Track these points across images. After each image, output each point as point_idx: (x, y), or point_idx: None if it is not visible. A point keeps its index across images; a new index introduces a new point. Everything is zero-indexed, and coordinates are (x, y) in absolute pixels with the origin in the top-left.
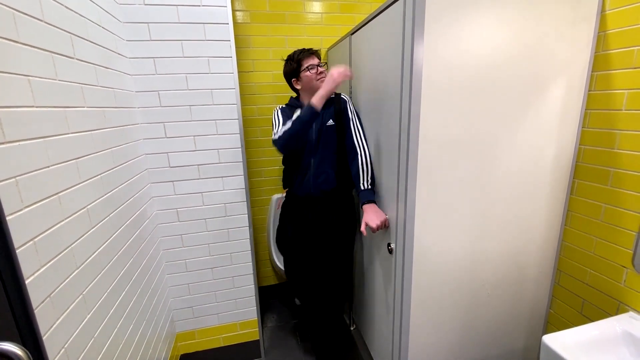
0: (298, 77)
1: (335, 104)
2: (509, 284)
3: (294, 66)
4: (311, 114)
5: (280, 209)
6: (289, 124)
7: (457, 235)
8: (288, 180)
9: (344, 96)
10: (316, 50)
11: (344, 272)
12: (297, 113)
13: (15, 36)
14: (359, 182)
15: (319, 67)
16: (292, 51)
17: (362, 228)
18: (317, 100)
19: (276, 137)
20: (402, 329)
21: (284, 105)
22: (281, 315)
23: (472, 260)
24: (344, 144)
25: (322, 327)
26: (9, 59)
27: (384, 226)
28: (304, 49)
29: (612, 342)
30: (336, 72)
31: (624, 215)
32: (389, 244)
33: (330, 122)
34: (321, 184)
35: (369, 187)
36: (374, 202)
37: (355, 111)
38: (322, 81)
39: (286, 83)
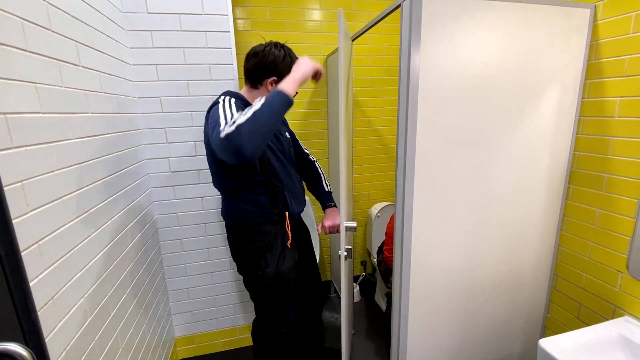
0: (280, 79)
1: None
2: (506, 288)
3: (288, 62)
4: (286, 103)
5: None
6: (248, 113)
7: (455, 240)
8: (277, 199)
9: None
10: None
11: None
12: (258, 102)
13: (24, 44)
14: (322, 184)
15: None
16: (289, 47)
17: (320, 228)
18: (289, 85)
19: (231, 129)
20: (400, 334)
21: (233, 98)
22: None
23: (469, 265)
24: (296, 152)
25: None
26: (18, 66)
27: (337, 230)
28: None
29: (608, 346)
30: (311, 61)
31: (618, 220)
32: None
33: (287, 134)
34: (304, 196)
35: (331, 190)
36: (336, 205)
37: None
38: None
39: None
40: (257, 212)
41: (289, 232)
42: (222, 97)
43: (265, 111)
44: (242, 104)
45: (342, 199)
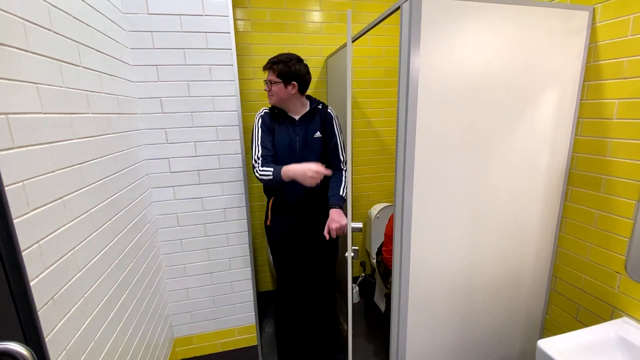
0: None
1: (322, 117)
2: (505, 289)
3: (303, 72)
4: (276, 182)
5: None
6: (269, 171)
7: (454, 241)
8: (272, 189)
9: (331, 111)
10: (272, 64)
11: (332, 272)
12: (274, 170)
13: (25, 45)
14: (339, 188)
15: (268, 84)
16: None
17: (326, 231)
18: (286, 173)
19: (257, 174)
20: (399, 334)
21: (267, 110)
22: None
23: (469, 266)
24: (326, 154)
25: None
26: (19, 67)
27: (343, 231)
28: (271, 60)
29: (607, 347)
30: (311, 172)
31: (617, 222)
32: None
33: (318, 134)
34: (306, 189)
35: (345, 196)
36: (341, 208)
37: (340, 127)
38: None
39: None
40: (265, 188)
41: (269, 213)
42: (258, 115)
43: (271, 180)
44: (269, 117)
45: (348, 199)
